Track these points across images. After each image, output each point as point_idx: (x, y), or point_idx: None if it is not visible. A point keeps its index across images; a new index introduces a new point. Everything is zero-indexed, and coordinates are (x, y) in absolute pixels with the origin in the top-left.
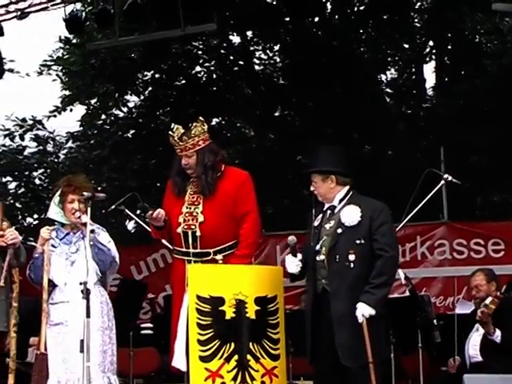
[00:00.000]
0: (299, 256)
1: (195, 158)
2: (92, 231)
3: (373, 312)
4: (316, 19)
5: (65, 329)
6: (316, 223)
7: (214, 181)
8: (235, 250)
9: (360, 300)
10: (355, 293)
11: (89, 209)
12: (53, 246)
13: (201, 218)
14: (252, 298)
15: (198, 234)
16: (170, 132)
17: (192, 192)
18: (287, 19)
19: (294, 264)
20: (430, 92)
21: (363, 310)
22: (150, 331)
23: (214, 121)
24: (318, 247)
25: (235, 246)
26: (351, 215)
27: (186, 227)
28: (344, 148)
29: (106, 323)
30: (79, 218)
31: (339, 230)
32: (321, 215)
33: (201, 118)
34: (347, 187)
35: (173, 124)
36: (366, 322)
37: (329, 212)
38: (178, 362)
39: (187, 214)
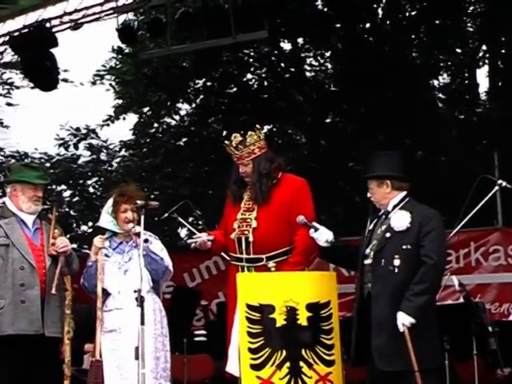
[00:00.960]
0: (321, 227)
1: (251, 166)
2: (145, 241)
3: (413, 320)
4: (367, 25)
5: (118, 336)
6: (370, 227)
7: (268, 189)
8: (288, 257)
9: (400, 309)
10: (397, 298)
11: (142, 217)
12: (106, 255)
13: (254, 224)
14: (303, 305)
15: (251, 239)
16: (227, 141)
17: (248, 199)
18: (338, 25)
19: (321, 234)
20: (483, 97)
21: (403, 320)
22: (203, 338)
23: (266, 128)
24: (367, 251)
25: (289, 252)
26: (400, 220)
27: (239, 233)
28: (400, 153)
29: (159, 330)
30: (133, 228)
31: (387, 235)
32: (375, 220)
33: (257, 125)
34: (403, 193)
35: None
36: (409, 330)
37: (383, 217)
38: (232, 367)
39: (241, 221)
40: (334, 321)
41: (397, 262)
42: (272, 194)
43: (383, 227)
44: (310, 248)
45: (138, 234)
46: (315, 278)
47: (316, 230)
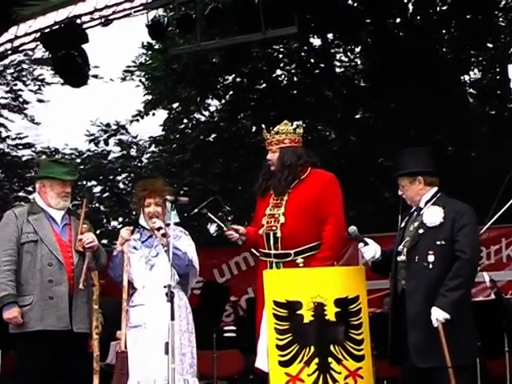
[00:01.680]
0: (370, 241)
1: (277, 155)
2: (163, 235)
3: (447, 316)
4: (398, 20)
5: (143, 331)
6: (402, 225)
7: (287, 184)
8: (317, 253)
9: (434, 304)
10: (432, 294)
11: (173, 212)
12: (134, 247)
13: (282, 220)
14: (331, 300)
15: (279, 235)
16: (263, 125)
17: (275, 194)
18: (368, 21)
19: (365, 253)
20: None
21: (437, 315)
22: (233, 334)
23: (295, 124)
24: (400, 248)
25: (317, 247)
26: (433, 216)
27: (267, 229)
28: (428, 148)
29: (184, 326)
30: (154, 223)
31: (421, 231)
32: (407, 217)
33: (298, 123)
34: (435, 188)
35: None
36: (443, 325)
37: (415, 214)
38: (261, 363)
39: (270, 216)
40: (364, 315)
41: (431, 258)
42: (300, 189)
43: (416, 224)
44: (338, 243)
45: (158, 229)
46: (343, 272)
47: (366, 244)
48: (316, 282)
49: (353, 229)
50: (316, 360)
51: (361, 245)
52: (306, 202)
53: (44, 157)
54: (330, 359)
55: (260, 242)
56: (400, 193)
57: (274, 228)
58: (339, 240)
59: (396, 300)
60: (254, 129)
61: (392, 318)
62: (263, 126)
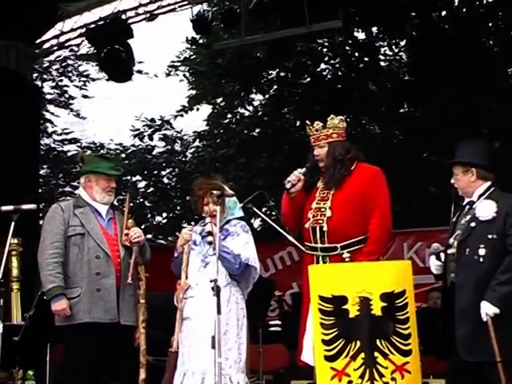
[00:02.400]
0: (442, 258)
1: (326, 150)
2: (210, 243)
3: (497, 310)
4: (443, 13)
5: (190, 323)
6: (454, 219)
7: (341, 176)
8: (363, 247)
9: (484, 298)
10: (482, 288)
11: (237, 207)
12: (194, 242)
13: (328, 213)
14: (377, 295)
15: (325, 228)
16: (308, 121)
17: (322, 188)
18: (413, 14)
19: (435, 266)
20: None
21: (487, 309)
22: (278, 328)
23: (340, 118)
24: (451, 241)
25: (363, 241)
26: (486, 209)
27: (314, 223)
28: (487, 142)
29: (234, 321)
30: (205, 225)
31: (472, 224)
32: (459, 211)
33: (341, 117)
34: (488, 183)
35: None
36: (492, 320)
37: (467, 207)
38: (308, 357)
39: (316, 210)
40: (410, 310)
41: (482, 252)
42: (346, 183)
43: (468, 217)
44: (384, 237)
45: (209, 233)
46: (389, 267)
47: (441, 261)
48: (362, 277)
49: (437, 246)
50: (362, 355)
51: (432, 257)
52: (352, 196)
53: (88, 152)
54: (376, 354)
55: (306, 236)
56: (452, 181)
57: (320, 222)
58: (385, 233)
59: (446, 293)
60: (297, 123)
61: (442, 311)
62: (308, 122)
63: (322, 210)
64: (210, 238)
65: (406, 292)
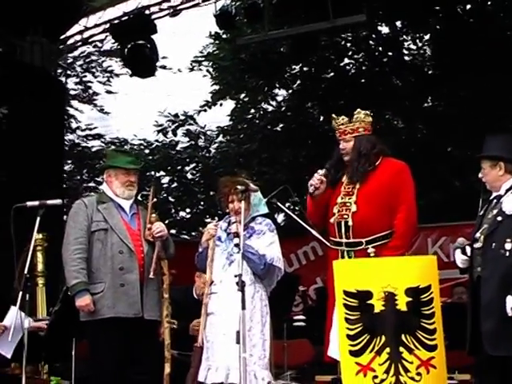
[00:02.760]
0: (468, 252)
1: (352, 144)
2: (237, 245)
3: None
4: (468, 6)
5: (214, 319)
6: (481, 213)
7: (365, 170)
8: (388, 242)
9: (510, 293)
10: (508, 282)
11: (262, 203)
12: (219, 238)
13: (353, 208)
14: (402, 290)
15: (350, 223)
16: (334, 115)
17: (347, 183)
18: (437, 8)
19: (461, 260)
20: None
21: None
22: (302, 323)
23: (365, 112)
24: (477, 235)
25: (389, 236)
26: None
27: (339, 217)
28: None
29: (258, 318)
30: (232, 224)
31: (499, 218)
32: (487, 205)
33: (367, 111)
34: None
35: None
36: None
37: (494, 201)
38: (334, 351)
39: (341, 205)
40: (436, 305)
41: (508, 246)
42: (372, 177)
43: (494, 211)
44: (410, 232)
45: (235, 234)
46: (414, 262)
47: (465, 255)
48: (387, 272)
49: (462, 241)
50: (387, 349)
51: (458, 251)
52: (378, 190)
53: (113, 147)
54: (401, 349)
55: (331, 231)
56: (480, 175)
57: (345, 216)
58: (411, 228)
59: (472, 288)
60: (321, 118)
61: (469, 306)
62: (334, 115)
63: (347, 204)
64: (236, 240)
65: (432, 287)
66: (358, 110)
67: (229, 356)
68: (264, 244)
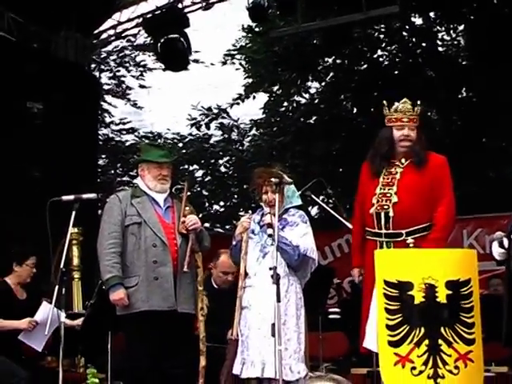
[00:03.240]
0: (506, 244)
1: (416, 133)
2: (270, 235)
3: None
4: None
5: (249, 313)
6: None
7: (425, 159)
8: (428, 234)
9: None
10: None
11: (295, 195)
12: (253, 231)
13: (394, 199)
14: (443, 282)
15: (391, 214)
16: (406, 99)
17: (387, 173)
18: None
19: (498, 252)
20: None
21: None
22: (337, 316)
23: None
24: None
25: (428, 228)
26: None
27: (378, 208)
28: None
29: (292, 311)
30: (265, 215)
31: None
32: None
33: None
34: None
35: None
36: None
37: None
38: (370, 343)
39: (381, 195)
40: (475, 299)
41: None
42: (413, 170)
43: None
44: (450, 225)
45: (268, 225)
46: (455, 255)
47: (504, 248)
48: (428, 263)
49: (500, 234)
50: (426, 341)
51: (495, 243)
52: (419, 183)
53: (146, 141)
54: (440, 341)
55: (369, 222)
56: None
57: (385, 207)
58: (451, 222)
59: (509, 279)
60: (354, 110)
61: (507, 298)
62: (407, 100)
63: (388, 195)
64: (269, 231)
65: (472, 280)
66: (418, 101)
67: (264, 350)
68: (297, 235)
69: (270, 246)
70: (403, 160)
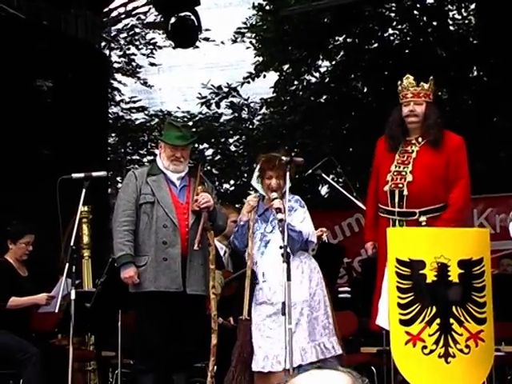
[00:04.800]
0: None
1: (424, 108)
2: (280, 220)
3: None
4: None
5: (269, 308)
6: None
7: (440, 137)
8: (442, 213)
9: None
10: None
11: (287, 176)
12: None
13: (409, 178)
14: (455, 261)
15: (406, 193)
16: (409, 75)
17: (403, 151)
18: None
19: None
20: None
21: None
22: (347, 295)
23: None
24: None
25: (441, 209)
26: None
27: (393, 186)
28: None
29: (313, 289)
30: (273, 200)
31: None
32: None
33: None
34: None
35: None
36: None
37: None
38: (382, 320)
39: (396, 173)
40: (487, 278)
41: None
42: (429, 149)
43: None
44: (466, 206)
45: (278, 210)
46: (468, 234)
47: None
48: (440, 242)
49: None
50: (437, 320)
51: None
52: (435, 163)
53: (156, 120)
54: (451, 320)
55: (382, 199)
56: None
57: (400, 186)
58: (467, 203)
59: None
60: (365, 89)
61: None
62: (409, 76)
63: (403, 173)
64: (280, 216)
65: (484, 260)
66: (431, 77)
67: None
68: (297, 220)
69: (270, 233)
70: (420, 139)
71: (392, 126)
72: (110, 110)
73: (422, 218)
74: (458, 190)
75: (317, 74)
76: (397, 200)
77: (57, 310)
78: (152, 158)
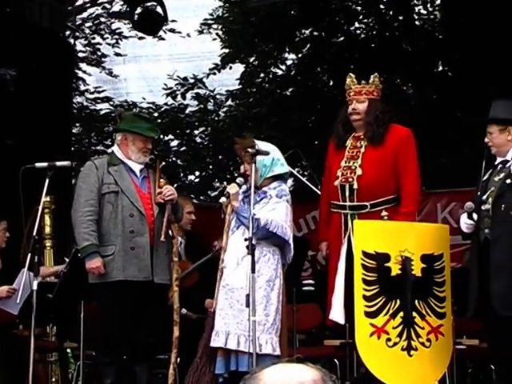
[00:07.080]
0: (475, 217)
1: (366, 106)
2: (239, 185)
3: None
4: None
5: (230, 292)
6: (485, 177)
7: (382, 133)
8: (400, 207)
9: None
10: None
11: (253, 166)
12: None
13: (359, 172)
14: (418, 256)
15: (355, 186)
16: (351, 74)
17: (352, 146)
18: None
19: (466, 224)
20: None
21: None
22: (311, 288)
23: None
24: (484, 197)
25: (392, 201)
26: None
27: (343, 180)
28: None
29: (260, 283)
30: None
31: (508, 181)
32: (491, 170)
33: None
34: None
35: None
36: None
37: (500, 166)
38: (336, 315)
39: (345, 168)
40: (447, 274)
41: None
42: (378, 143)
43: (502, 175)
44: (419, 198)
45: (241, 175)
46: (430, 229)
47: (472, 219)
48: (405, 236)
49: (470, 205)
50: (401, 314)
51: (464, 215)
52: (384, 156)
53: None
54: (414, 314)
55: (334, 194)
56: (486, 140)
57: (350, 180)
58: (419, 194)
59: (478, 250)
60: (331, 82)
61: (474, 269)
62: (351, 74)
63: (353, 168)
64: (239, 180)
65: (444, 255)
66: (376, 74)
67: (229, 321)
68: (267, 209)
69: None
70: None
71: (338, 125)
72: (74, 100)
73: (384, 213)
74: (410, 181)
75: (283, 67)
76: (347, 194)
77: (18, 301)
78: None
